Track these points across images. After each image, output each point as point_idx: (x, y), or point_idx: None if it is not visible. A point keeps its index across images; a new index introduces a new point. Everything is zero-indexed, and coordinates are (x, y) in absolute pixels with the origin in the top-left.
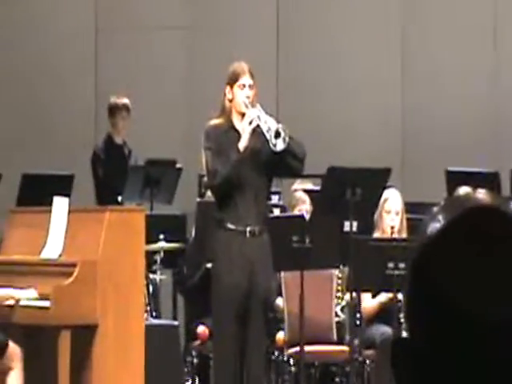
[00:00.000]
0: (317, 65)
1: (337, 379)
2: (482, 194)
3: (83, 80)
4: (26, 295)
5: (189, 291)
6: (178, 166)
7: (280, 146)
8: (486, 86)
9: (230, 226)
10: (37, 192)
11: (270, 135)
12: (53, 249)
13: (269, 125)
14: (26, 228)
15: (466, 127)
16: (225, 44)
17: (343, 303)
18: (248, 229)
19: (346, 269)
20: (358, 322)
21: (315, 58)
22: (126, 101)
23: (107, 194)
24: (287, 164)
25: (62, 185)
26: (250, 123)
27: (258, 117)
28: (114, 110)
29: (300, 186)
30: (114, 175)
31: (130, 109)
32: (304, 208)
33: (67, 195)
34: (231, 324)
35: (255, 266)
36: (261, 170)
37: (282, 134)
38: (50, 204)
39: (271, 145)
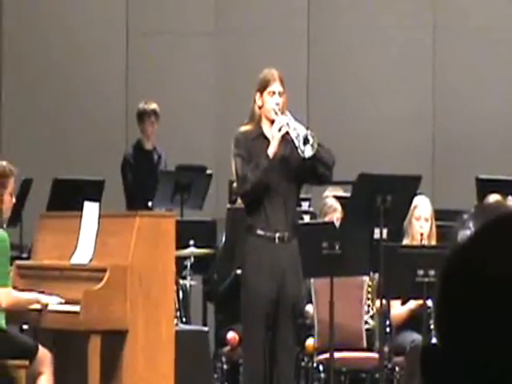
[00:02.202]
0: (347, 70)
1: None
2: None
3: (114, 85)
4: (51, 301)
5: (219, 297)
6: (209, 172)
7: (308, 152)
8: None
9: (260, 232)
10: (67, 197)
11: (298, 142)
12: (83, 254)
13: (298, 131)
14: (56, 233)
15: (498, 134)
16: (254, 50)
17: (373, 310)
18: (277, 235)
19: (376, 276)
20: (387, 329)
21: (345, 63)
22: (154, 106)
23: (137, 200)
24: (316, 171)
25: (93, 190)
26: (280, 130)
27: (288, 124)
28: (142, 116)
29: (331, 192)
30: (143, 181)
31: (159, 114)
32: (335, 217)
33: (98, 200)
34: (261, 330)
35: (284, 273)
36: (290, 177)
37: (311, 141)
38: (81, 209)
39: (300, 151)
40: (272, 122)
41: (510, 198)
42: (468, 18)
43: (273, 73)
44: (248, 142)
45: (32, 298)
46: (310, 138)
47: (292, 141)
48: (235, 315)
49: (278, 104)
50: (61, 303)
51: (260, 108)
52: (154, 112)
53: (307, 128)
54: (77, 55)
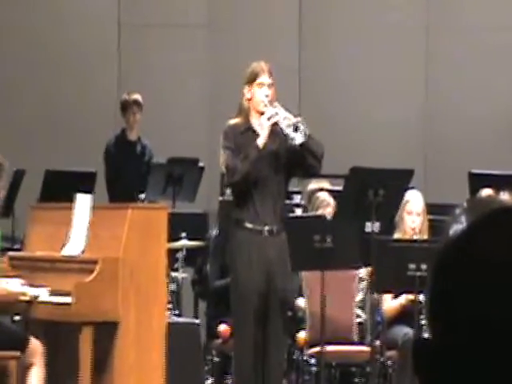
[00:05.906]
0: (339, 64)
1: (357, 380)
2: (504, 196)
3: (106, 76)
4: (38, 293)
5: (212, 290)
6: (201, 164)
7: (299, 139)
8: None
9: (248, 225)
10: (59, 188)
11: (288, 130)
12: (75, 246)
13: (288, 120)
14: (48, 224)
15: (490, 128)
16: (246, 42)
17: (364, 302)
18: (266, 228)
19: (368, 269)
20: (379, 323)
21: (337, 57)
22: (136, 96)
23: (118, 190)
24: (305, 162)
25: (85, 182)
26: (269, 119)
27: (277, 113)
28: (125, 107)
29: (315, 185)
30: (125, 171)
31: (142, 104)
32: (328, 211)
33: (90, 192)
34: (251, 323)
35: (273, 266)
36: (279, 170)
37: (301, 128)
38: (73, 201)
39: (290, 139)
40: (261, 114)
41: (502, 192)
42: (461, 19)
43: (261, 65)
44: (237, 136)
45: (18, 291)
46: (300, 125)
47: (282, 130)
48: (227, 308)
49: (267, 96)
50: (49, 294)
51: (249, 101)
52: (136, 102)
53: (298, 115)
54: (69, 47)
